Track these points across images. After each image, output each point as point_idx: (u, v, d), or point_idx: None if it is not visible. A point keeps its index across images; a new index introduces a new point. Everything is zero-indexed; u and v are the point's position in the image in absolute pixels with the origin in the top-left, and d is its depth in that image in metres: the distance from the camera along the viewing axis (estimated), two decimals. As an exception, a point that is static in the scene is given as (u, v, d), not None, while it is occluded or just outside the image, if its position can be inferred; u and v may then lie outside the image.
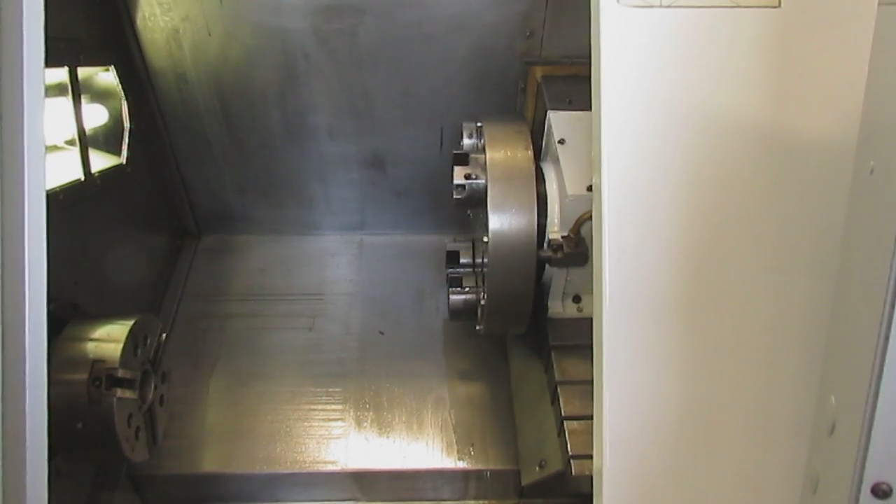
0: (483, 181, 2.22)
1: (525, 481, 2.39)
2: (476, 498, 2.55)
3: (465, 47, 2.67)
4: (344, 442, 2.55)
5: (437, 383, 2.74)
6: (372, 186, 3.16)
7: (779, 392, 1.33)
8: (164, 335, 2.17)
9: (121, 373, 1.91)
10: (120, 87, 2.62)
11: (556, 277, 2.33)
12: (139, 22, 2.62)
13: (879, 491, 0.95)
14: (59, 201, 2.16)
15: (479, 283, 2.47)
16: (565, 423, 2.11)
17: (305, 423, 2.60)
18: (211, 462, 2.50)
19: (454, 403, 2.67)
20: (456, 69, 2.74)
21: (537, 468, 2.31)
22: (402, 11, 2.56)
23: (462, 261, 2.63)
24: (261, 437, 2.56)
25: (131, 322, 2.01)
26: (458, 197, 2.31)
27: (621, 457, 1.35)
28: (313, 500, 2.55)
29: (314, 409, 2.65)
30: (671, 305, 1.35)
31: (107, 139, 2.62)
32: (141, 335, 2.04)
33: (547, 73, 2.54)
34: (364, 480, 2.52)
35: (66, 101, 2.28)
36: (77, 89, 2.29)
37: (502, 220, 2.15)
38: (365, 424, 2.61)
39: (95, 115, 2.55)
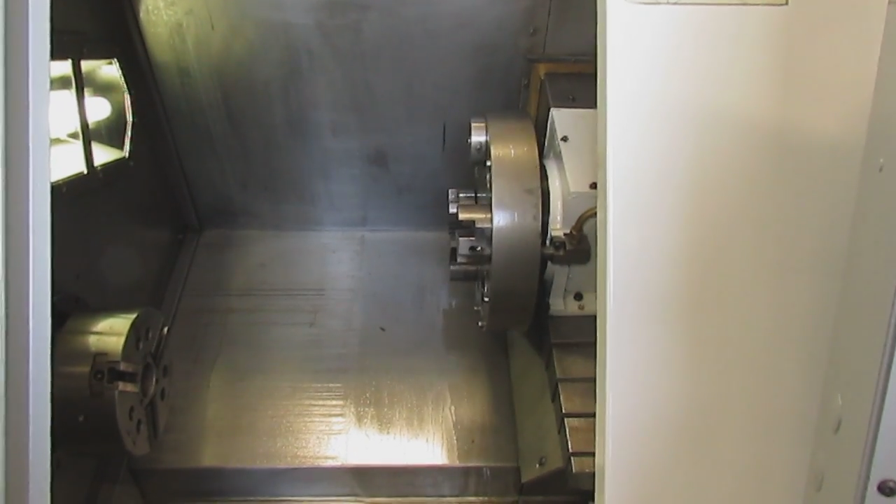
0: (487, 251, 2.20)
1: (525, 478, 2.40)
2: (476, 494, 2.56)
3: (468, 44, 2.66)
4: (344, 437, 2.56)
5: (438, 380, 2.74)
6: (374, 182, 3.16)
7: (782, 390, 1.33)
8: (165, 329, 2.17)
9: (123, 366, 1.91)
10: (123, 80, 2.62)
11: (558, 275, 2.32)
12: (142, 15, 2.61)
13: (886, 488, 0.95)
14: (61, 194, 2.15)
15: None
16: (566, 420, 2.11)
17: (306, 419, 2.61)
18: (211, 456, 2.51)
19: (454, 400, 2.68)
20: (459, 65, 2.73)
21: (537, 465, 2.32)
22: (406, 7, 2.56)
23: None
24: (261, 431, 2.56)
25: (133, 315, 2.01)
26: (457, 268, 2.35)
27: (623, 454, 1.35)
28: (313, 495, 2.55)
29: (315, 405, 2.66)
30: (675, 303, 1.35)
31: (109, 133, 2.62)
32: (143, 329, 2.04)
33: (550, 71, 2.54)
34: (364, 476, 2.52)
35: (70, 95, 2.27)
36: (80, 82, 2.29)
37: (505, 217, 2.14)
38: (365, 420, 2.61)
39: (98, 109, 2.55)
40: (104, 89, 2.60)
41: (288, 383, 2.71)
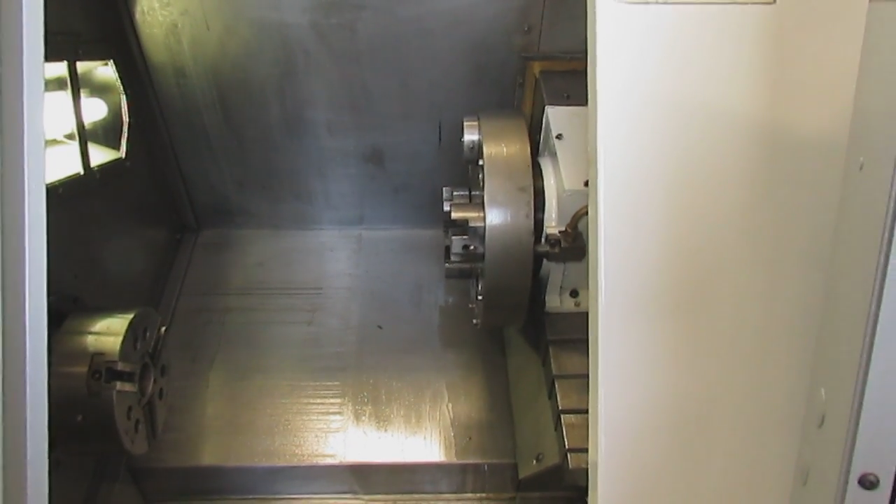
0: (481, 250, 2.21)
1: (522, 475, 2.41)
2: (473, 491, 2.57)
3: (463, 42, 2.67)
4: (342, 435, 2.57)
5: (435, 377, 2.75)
6: (371, 181, 3.17)
7: (771, 385, 1.35)
8: (163, 329, 2.18)
9: (120, 366, 1.92)
10: (119, 81, 2.63)
11: (554, 272, 2.34)
12: (138, 16, 2.62)
13: (867, 482, 0.97)
14: (58, 195, 2.16)
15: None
16: (562, 416, 2.12)
17: (304, 417, 2.62)
18: (210, 455, 2.52)
19: (452, 397, 2.69)
20: (454, 64, 2.74)
21: (534, 462, 2.33)
22: (401, 6, 2.57)
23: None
24: (260, 430, 2.57)
25: (131, 315, 2.02)
26: (452, 266, 2.34)
27: (616, 450, 1.36)
28: (312, 493, 2.56)
29: (313, 403, 2.67)
30: (665, 300, 1.36)
31: (106, 133, 2.62)
32: (140, 328, 2.05)
33: (545, 69, 2.55)
34: (362, 474, 2.53)
35: (66, 96, 2.28)
36: (76, 83, 2.30)
37: (499, 215, 2.15)
38: (363, 418, 2.62)
39: (94, 110, 2.56)
40: (100, 90, 2.61)
41: (286, 382, 2.72)
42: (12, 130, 1.28)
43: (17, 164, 1.29)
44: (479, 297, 2.38)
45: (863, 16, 1.13)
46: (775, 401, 1.34)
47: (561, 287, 2.39)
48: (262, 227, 3.32)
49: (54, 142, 2.33)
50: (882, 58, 0.99)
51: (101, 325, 1.99)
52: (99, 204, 2.51)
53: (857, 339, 0.93)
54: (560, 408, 2.15)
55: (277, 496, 2.55)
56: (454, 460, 2.52)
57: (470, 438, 2.56)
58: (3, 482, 1.26)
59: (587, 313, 1.42)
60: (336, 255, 3.25)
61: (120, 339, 1.95)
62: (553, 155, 2.28)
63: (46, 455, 1.33)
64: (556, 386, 2.20)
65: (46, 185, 1.33)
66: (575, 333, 2.32)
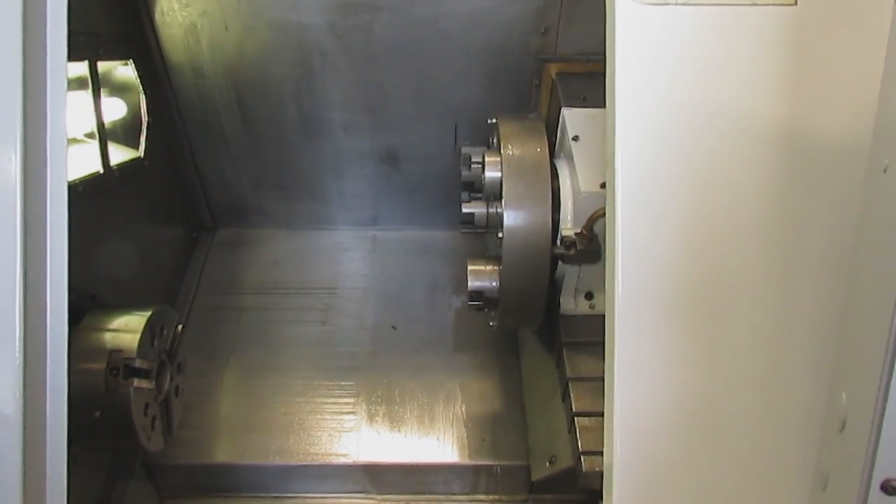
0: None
1: (535, 477, 2.40)
2: (486, 493, 2.57)
3: (479, 43, 2.67)
4: (356, 435, 2.57)
5: (449, 378, 2.75)
6: (386, 182, 3.18)
7: (789, 389, 1.34)
8: (180, 326, 2.20)
9: (138, 363, 1.94)
10: (138, 81, 2.65)
11: (569, 274, 2.33)
12: (157, 17, 2.64)
13: (889, 487, 0.96)
14: (78, 193, 2.19)
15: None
16: (576, 419, 2.12)
17: (318, 416, 2.63)
18: (224, 453, 2.53)
19: (466, 398, 2.69)
20: (470, 65, 2.74)
21: (547, 464, 2.32)
22: (418, 8, 2.57)
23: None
24: (274, 428, 2.58)
25: (149, 313, 2.03)
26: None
27: (631, 453, 1.35)
28: (325, 491, 2.57)
29: (326, 402, 2.67)
30: (683, 303, 1.35)
31: (125, 132, 2.65)
32: (158, 326, 2.07)
33: (561, 70, 2.54)
34: (375, 473, 2.54)
35: (86, 95, 2.31)
36: (97, 83, 2.32)
37: (516, 217, 2.15)
38: (377, 418, 2.63)
39: (114, 109, 2.59)
40: (120, 90, 2.64)
41: (300, 381, 2.74)
42: (35, 129, 1.29)
43: (40, 163, 1.30)
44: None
45: (886, 17, 1.12)
46: (793, 405, 1.32)
47: (576, 289, 2.38)
48: (277, 226, 3.33)
49: (75, 140, 2.35)
50: (907, 60, 0.98)
51: (119, 322, 2.01)
52: (117, 202, 2.53)
53: (879, 343, 0.92)
54: (574, 410, 2.14)
55: (290, 494, 2.56)
56: (467, 461, 2.52)
57: (483, 440, 2.56)
58: (24, 476, 1.27)
59: (602, 316, 1.42)
60: (350, 255, 3.26)
61: (137, 336, 1.96)
62: (569, 157, 2.28)
63: (65, 450, 1.34)
64: (570, 388, 2.20)
65: (67, 183, 1.35)
66: (589, 336, 2.31)
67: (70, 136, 2.28)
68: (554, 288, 2.39)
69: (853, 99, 1.30)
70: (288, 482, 2.56)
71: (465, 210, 2.39)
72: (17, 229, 1.25)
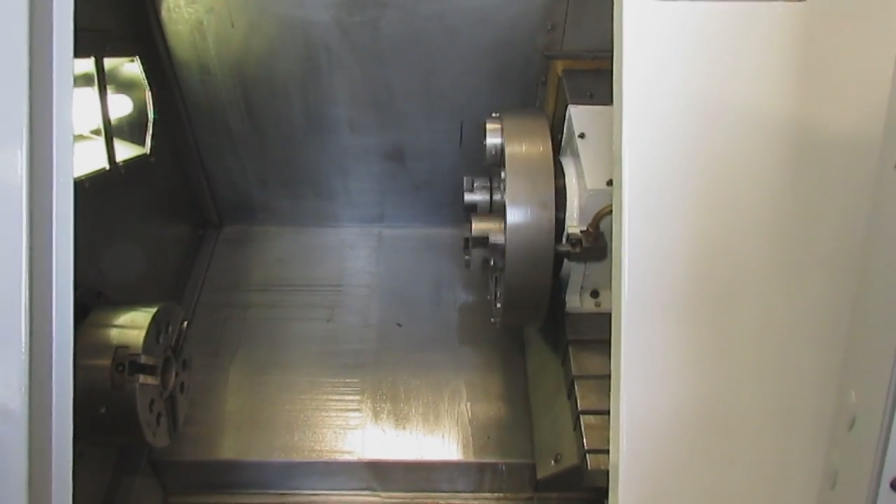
0: (501, 264, 2.21)
1: (540, 475, 2.40)
2: (491, 491, 2.56)
3: (486, 40, 2.66)
4: (361, 432, 2.57)
5: (454, 376, 2.75)
6: (392, 179, 3.18)
7: (797, 387, 1.33)
8: (185, 323, 2.20)
9: (143, 359, 1.94)
10: (144, 77, 2.65)
11: (575, 272, 2.32)
12: (164, 13, 2.65)
13: (899, 486, 0.95)
14: (84, 190, 2.19)
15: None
16: (581, 417, 2.11)
17: (323, 413, 2.63)
18: (229, 449, 2.54)
19: (471, 396, 2.68)
20: (477, 62, 2.74)
21: (553, 462, 2.32)
22: (424, 4, 2.57)
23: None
24: (279, 425, 2.59)
25: (154, 309, 2.04)
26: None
27: (638, 451, 1.35)
28: (329, 489, 2.57)
29: (332, 400, 2.68)
30: (690, 300, 1.34)
31: (131, 129, 2.65)
32: (163, 323, 2.07)
33: (568, 67, 2.53)
34: (380, 471, 2.54)
35: (93, 92, 2.31)
36: (103, 80, 2.33)
37: (520, 214, 2.15)
38: (382, 415, 2.63)
39: (120, 106, 2.59)
40: (126, 86, 2.64)
41: (306, 378, 2.74)
42: (42, 125, 1.29)
43: (46, 159, 1.30)
44: (499, 296, 2.37)
45: (893, 13, 1.11)
46: (801, 402, 1.32)
47: (581, 287, 2.37)
48: (283, 223, 3.33)
49: (81, 137, 2.36)
50: (918, 56, 0.97)
51: (125, 318, 2.01)
52: (123, 199, 2.54)
53: (889, 341, 0.91)
54: (579, 408, 2.14)
55: (295, 491, 2.57)
56: (472, 459, 2.52)
57: (488, 437, 2.56)
58: (29, 472, 1.27)
59: (608, 314, 1.41)
60: (356, 252, 3.26)
61: (143, 332, 1.97)
62: (575, 154, 2.27)
63: (71, 446, 1.35)
64: (576, 386, 2.19)
65: (73, 180, 1.35)
66: (595, 334, 2.30)
67: (76, 133, 2.29)
68: (559, 286, 2.38)
69: (863, 95, 1.29)
70: (293, 479, 2.56)
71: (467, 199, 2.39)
72: (24, 226, 1.25)
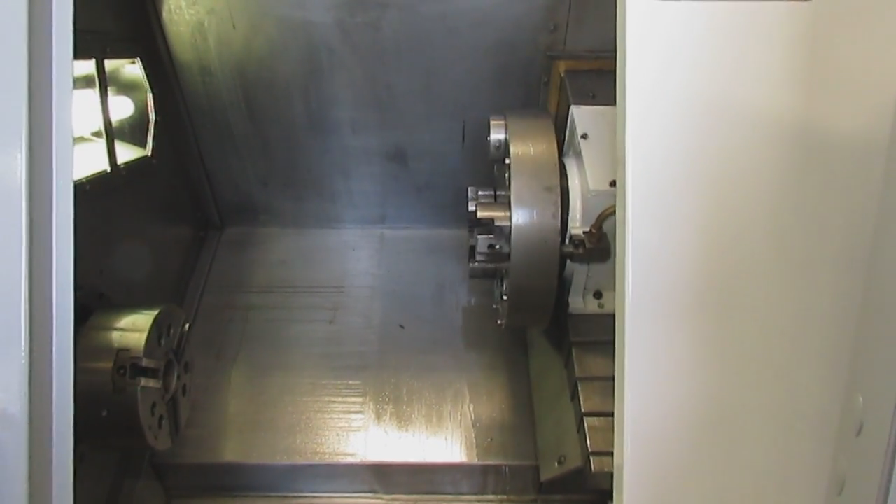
0: (506, 250, 2.20)
1: (544, 477, 2.39)
2: (494, 493, 2.55)
3: (488, 41, 2.66)
4: (363, 434, 2.57)
5: (457, 377, 2.74)
6: (393, 180, 3.17)
7: (803, 391, 1.31)
8: (187, 325, 2.20)
9: (145, 362, 1.93)
10: (146, 79, 2.65)
11: (578, 273, 2.31)
12: (165, 15, 2.64)
13: (908, 493, 0.94)
14: (85, 192, 2.18)
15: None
16: (585, 419, 2.10)
17: (325, 415, 2.62)
18: (231, 452, 2.53)
19: (473, 398, 2.68)
20: (479, 63, 2.73)
21: (556, 464, 2.31)
22: (426, 5, 2.56)
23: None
24: (281, 428, 2.58)
25: (156, 312, 2.03)
26: (477, 265, 2.32)
27: (642, 454, 1.34)
28: (332, 491, 2.56)
29: (334, 402, 2.67)
30: (695, 302, 1.33)
31: (132, 131, 2.65)
32: (165, 325, 2.07)
33: (570, 68, 2.53)
34: (383, 473, 2.53)
35: (93, 93, 2.31)
36: (104, 81, 2.32)
37: (524, 215, 2.14)
38: (384, 417, 2.62)
39: (121, 108, 2.59)
40: (127, 88, 2.64)
41: (308, 380, 2.73)
42: (41, 127, 1.29)
43: (46, 161, 1.30)
44: (504, 298, 2.36)
45: (901, 13, 1.09)
46: (807, 407, 1.30)
47: (584, 288, 2.36)
48: (285, 225, 3.33)
49: (82, 139, 2.35)
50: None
51: (127, 321, 2.01)
52: (125, 201, 2.53)
53: (898, 346, 0.90)
54: (583, 410, 2.13)
55: (298, 494, 2.56)
56: (475, 461, 2.51)
57: (491, 439, 2.55)
58: (30, 476, 1.27)
59: (611, 315, 1.40)
60: (358, 254, 3.25)
61: (145, 335, 1.96)
62: (578, 155, 2.26)
63: (72, 449, 1.34)
64: (579, 388, 2.18)
65: (74, 182, 1.34)
66: (598, 335, 2.30)
67: (77, 135, 2.29)
68: (562, 287, 2.37)
69: (869, 95, 1.27)
70: (295, 481, 2.55)
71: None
72: (23, 228, 1.25)
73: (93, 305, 2.07)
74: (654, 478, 1.35)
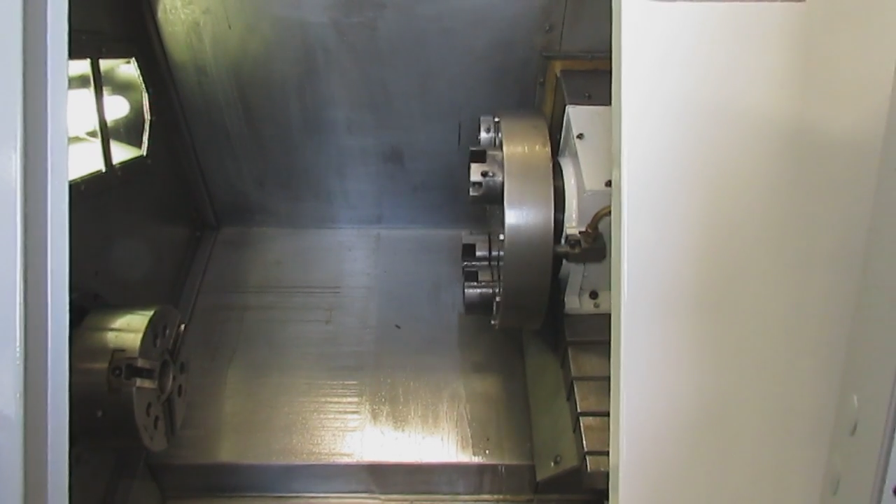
0: (500, 178, 2.21)
1: (540, 477, 2.39)
2: (491, 493, 2.56)
3: (484, 41, 2.66)
4: (359, 434, 2.56)
5: (453, 377, 2.74)
6: (389, 180, 3.17)
7: (798, 391, 1.32)
8: (182, 326, 2.19)
9: (140, 362, 1.93)
10: (141, 79, 2.64)
11: (573, 273, 2.32)
12: (160, 15, 2.64)
13: (902, 492, 0.94)
14: (80, 192, 2.18)
15: (495, 277, 2.46)
16: (581, 418, 2.11)
17: (321, 416, 2.62)
18: (227, 452, 2.53)
19: (470, 398, 2.68)
20: (474, 63, 2.73)
21: (552, 464, 2.31)
22: (422, 5, 2.56)
23: (478, 254, 2.60)
24: (277, 428, 2.58)
25: (151, 312, 2.03)
26: (475, 194, 2.30)
27: (638, 453, 1.34)
28: (329, 491, 2.56)
29: (330, 402, 2.67)
30: (690, 302, 1.34)
31: (128, 131, 2.64)
32: (160, 325, 2.06)
33: (566, 68, 2.53)
34: (379, 473, 2.53)
35: (88, 93, 2.30)
36: (99, 81, 2.31)
37: (519, 215, 2.14)
38: (381, 417, 2.62)
39: (117, 107, 2.58)
40: (122, 88, 2.63)
41: (304, 380, 2.73)
42: (36, 127, 1.29)
43: (41, 161, 1.30)
44: (498, 298, 2.36)
45: (894, 14, 1.10)
46: (802, 407, 1.31)
47: (580, 288, 2.37)
48: (281, 225, 3.32)
49: (77, 139, 2.35)
50: (919, 56, 0.96)
51: (122, 321, 2.00)
52: (120, 201, 2.52)
53: (892, 345, 0.91)
54: (579, 410, 2.13)
55: (294, 494, 2.56)
56: (471, 461, 2.51)
57: (487, 439, 2.55)
58: (25, 477, 1.26)
59: (607, 315, 1.41)
60: (354, 254, 3.25)
61: (140, 335, 1.96)
62: (573, 155, 2.26)
63: (67, 450, 1.34)
64: (575, 388, 2.19)
65: (69, 182, 1.34)
66: (594, 335, 2.30)
67: (72, 135, 2.28)
68: (558, 287, 2.37)
69: (863, 96, 1.28)
70: (291, 482, 2.55)
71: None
72: (18, 228, 1.25)
73: (88, 306, 2.07)
74: (649, 477, 1.35)
